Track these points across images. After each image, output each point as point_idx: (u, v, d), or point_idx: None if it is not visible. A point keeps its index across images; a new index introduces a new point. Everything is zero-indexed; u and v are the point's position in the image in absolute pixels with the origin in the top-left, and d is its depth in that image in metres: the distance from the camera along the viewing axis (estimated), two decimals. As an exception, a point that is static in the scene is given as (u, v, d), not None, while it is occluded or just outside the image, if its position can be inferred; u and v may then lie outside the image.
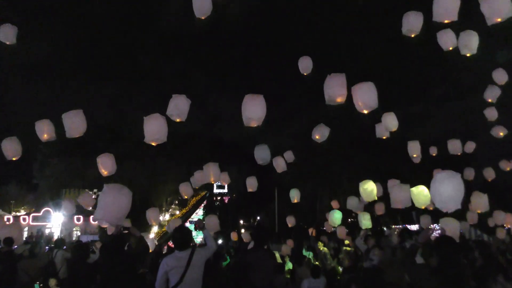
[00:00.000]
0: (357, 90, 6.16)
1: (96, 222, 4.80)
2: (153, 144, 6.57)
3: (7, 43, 7.98)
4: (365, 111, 6.18)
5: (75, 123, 7.61)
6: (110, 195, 4.56)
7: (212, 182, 10.93)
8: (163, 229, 39.89)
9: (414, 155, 11.07)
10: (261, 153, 9.41)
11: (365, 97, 6.10)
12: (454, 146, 12.12)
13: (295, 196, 13.61)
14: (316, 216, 31.95)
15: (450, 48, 7.59)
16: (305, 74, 9.32)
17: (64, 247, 9.15)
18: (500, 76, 9.66)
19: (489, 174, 12.60)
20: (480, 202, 10.30)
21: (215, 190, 58.83)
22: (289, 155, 12.36)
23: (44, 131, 8.18)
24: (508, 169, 12.09)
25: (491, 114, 10.70)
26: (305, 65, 9.36)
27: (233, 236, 17.20)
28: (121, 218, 4.68)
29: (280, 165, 11.59)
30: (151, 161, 37.33)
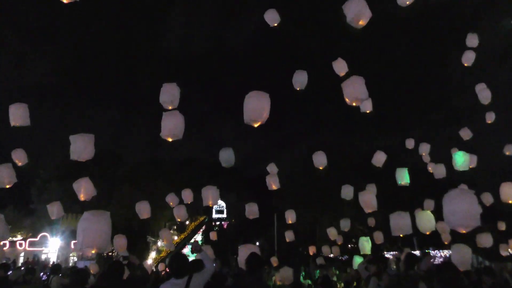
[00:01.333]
0: (345, 85, 6.20)
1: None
2: (169, 139, 6.50)
3: None
4: (355, 104, 6.15)
5: (83, 147, 7.46)
6: (94, 222, 4.50)
7: (210, 205, 10.85)
8: (161, 255, 39.42)
9: (402, 183, 11.03)
10: (226, 156, 9.44)
11: (354, 90, 6.08)
12: (438, 171, 12.14)
13: (289, 217, 13.65)
14: (315, 241, 31.65)
15: (408, 3, 7.38)
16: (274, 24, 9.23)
17: (60, 273, 9.01)
18: (472, 40, 10.16)
19: (487, 199, 12.58)
20: None
21: (214, 215, 58.45)
22: (272, 167, 12.53)
23: (13, 117, 7.82)
24: (508, 153, 11.94)
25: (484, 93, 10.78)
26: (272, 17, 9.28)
27: (212, 236, 17.49)
28: (107, 244, 4.63)
29: (273, 182, 11.64)
30: (149, 186, 37.18)
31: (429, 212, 8.14)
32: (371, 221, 15.88)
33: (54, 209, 10.56)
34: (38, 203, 38.59)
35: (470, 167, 11.67)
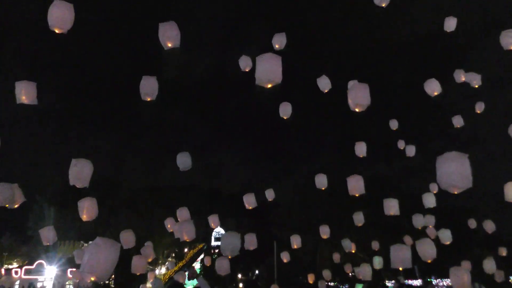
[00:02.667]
0: (351, 90, 6.30)
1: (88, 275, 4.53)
2: (169, 45, 6.81)
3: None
4: (357, 110, 6.21)
5: (82, 173, 7.38)
6: (102, 249, 4.43)
7: (187, 240, 10.45)
8: (160, 282, 38.74)
9: (391, 213, 10.95)
10: (183, 160, 9.68)
11: (358, 96, 6.16)
12: (428, 199, 12.13)
13: (294, 242, 13.57)
14: (316, 269, 31.25)
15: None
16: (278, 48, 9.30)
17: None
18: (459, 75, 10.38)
19: (489, 226, 12.51)
20: None
21: (213, 243, 57.72)
22: (271, 193, 12.68)
23: (21, 94, 7.22)
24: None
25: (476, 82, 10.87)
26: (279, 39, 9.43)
27: (207, 261, 16.97)
28: (108, 275, 4.56)
29: (248, 202, 11.70)
30: (148, 213, 36.90)
31: (430, 239, 8.05)
32: (375, 245, 15.74)
33: (47, 235, 10.23)
34: (35, 230, 38.17)
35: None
